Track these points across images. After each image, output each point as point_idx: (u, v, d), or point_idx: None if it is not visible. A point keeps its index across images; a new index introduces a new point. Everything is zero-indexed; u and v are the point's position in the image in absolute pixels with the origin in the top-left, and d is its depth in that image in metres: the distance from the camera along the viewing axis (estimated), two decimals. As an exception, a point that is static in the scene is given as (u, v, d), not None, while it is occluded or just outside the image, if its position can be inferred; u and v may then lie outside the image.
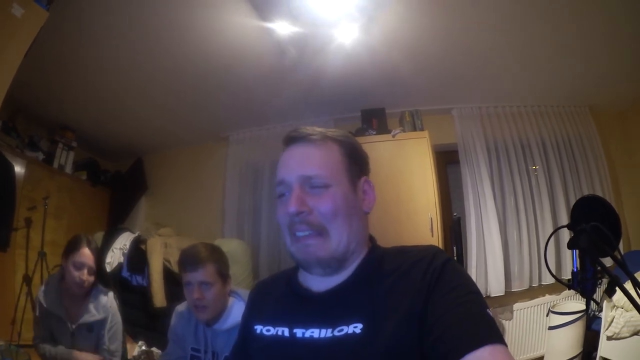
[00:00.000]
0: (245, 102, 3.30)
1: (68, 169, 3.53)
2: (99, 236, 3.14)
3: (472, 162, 3.36)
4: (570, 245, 1.17)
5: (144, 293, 2.85)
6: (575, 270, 1.18)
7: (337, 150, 0.76)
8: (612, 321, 2.27)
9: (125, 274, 2.99)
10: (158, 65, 2.75)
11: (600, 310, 2.36)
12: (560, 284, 1.36)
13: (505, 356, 0.56)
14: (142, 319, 2.76)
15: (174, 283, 2.73)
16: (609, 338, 2.27)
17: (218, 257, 1.59)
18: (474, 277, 2.74)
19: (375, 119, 3.28)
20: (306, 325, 0.69)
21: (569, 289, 1.21)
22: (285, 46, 2.52)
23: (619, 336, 2.23)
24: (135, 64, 2.74)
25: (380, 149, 3.04)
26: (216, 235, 3.48)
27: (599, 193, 3.23)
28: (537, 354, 3.07)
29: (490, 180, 3.31)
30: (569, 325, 2.68)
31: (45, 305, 1.80)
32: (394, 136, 3.12)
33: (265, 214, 3.56)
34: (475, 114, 3.46)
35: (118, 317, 1.94)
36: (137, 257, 2.98)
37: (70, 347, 1.81)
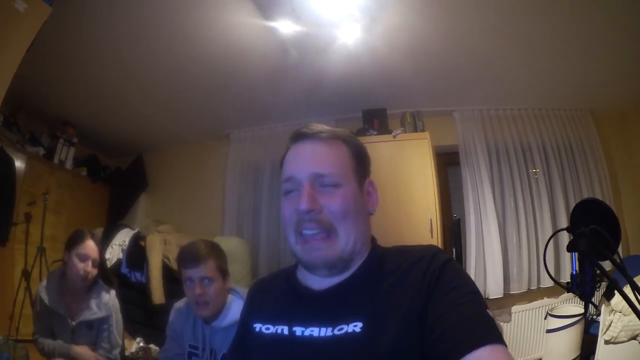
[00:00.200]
0: (247, 101, 3.30)
1: (68, 165, 3.53)
2: (98, 232, 3.14)
3: (473, 164, 3.36)
4: (570, 248, 1.17)
5: (143, 289, 2.85)
6: (574, 273, 1.18)
7: (346, 150, 0.76)
8: (610, 325, 2.27)
9: (124, 270, 2.99)
10: (160, 62, 2.75)
11: (599, 314, 2.36)
12: (558, 287, 1.36)
13: (505, 356, 0.56)
14: (141, 315, 2.76)
15: (172, 280, 2.73)
16: (607, 342, 2.27)
17: (218, 253, 1.59)
18: (472, 279, 2.73)
19: (376, 119, 3.28)
20: (306, 323, 0.69)
21: (568, 292, 1.21)
22: (287, 46, 2.52)
23: (616, 340, 2.22)
24: (137, 61, 2.74)
25: (381, 150, 3.04)
26: (215, 233, 3.48)
27: (599, 196, 3.23)
28: (535, 356, 3.07)
29: (490, 183, 3.31)
30: (567, 329, 2.68)
31: (45, 302, 1.79)
32: (394, 137, 3.12)
33: (265, 213, 3.56)
34: (476, 116, 3.46)
35: (119, 316, 1.93)
36: (137, 253, 2.98)
37: (70, 343, 1.80)
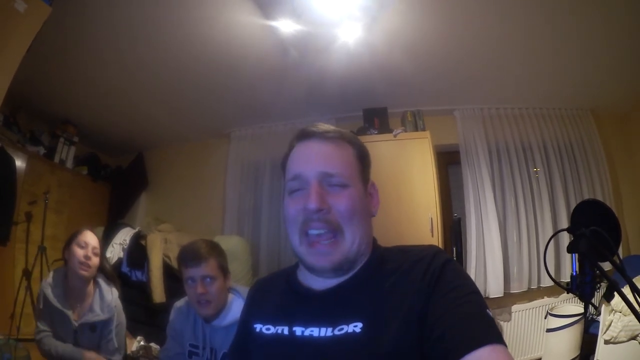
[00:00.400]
0: (247, 99, 3.30)
1: (69, 164, 3.53)
2: (99, 231, 3.13)
3: (473, 163, 3.36)
4: (570, 249, 1.17)
5: (144, 288, 2.85)
6: (574, 274, 1.18)
7: (351, 151, 0.76)
8: (610, 325, 2.27)
9: (125, 269, 2.99)
10: (160, 61, 2.75)
11: (599, 314, 2.36)
12: (559, 287, 1.36)
13: (505, 356, 0.56)
14: (141, 314, 2.76)
15: (173, 279, 2.73)
16: (607, 342, 2.27)
17: (219, 252, 1.60)
18: (473, 278, 2.73)
19: (377, 119, 3.27)
20: (306, 323, 0.69)
21: (568, 293, 1.21)
22: (288, 45, 2.52)
23: (616, 340, 2.23)
24: (137, 60, 2.74)
25: (381, 149, 3.04)
26: (216, 231, 3.48)
27: (600, 196, 3.23)
28: (535, 356, 3.07)
29: (491, 182, 3.31)
30: (567, 328, 2.68)
31: (49, 298, 1.77)
32: (395, 136, 3.12)
33: (265, 212, 3.56)
34: (477, 115, 3.46)
35: (122, 318, 1.91)
36: (137, 252, 2.98)
37: (72, 344, 1.78)
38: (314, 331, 0.68)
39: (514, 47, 2.69)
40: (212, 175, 3.86)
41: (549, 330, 2.81)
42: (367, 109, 3.32)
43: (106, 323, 1.83)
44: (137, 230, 3.17)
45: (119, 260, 3.04)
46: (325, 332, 0.67)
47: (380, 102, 3.29)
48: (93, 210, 3.88)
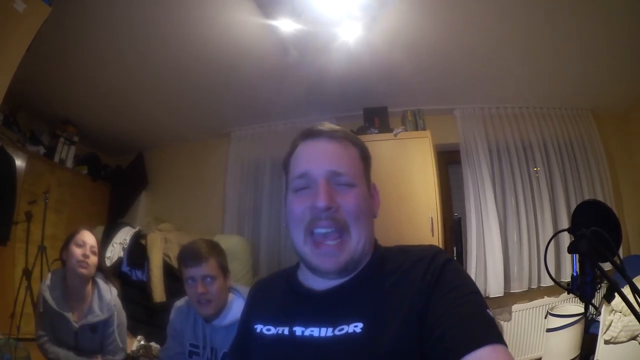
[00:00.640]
0: (247, 99, 3.29)
1: (69, 164, 3.53)
2: (99, 230, 3.14)
3: (474, 163, 3.36)
4: (571, 250, 1.17)
5: (144, 288, 2.85)
6: (574, 274, 1.18)
7: (356, 152, 0.76)
8: (610, 325, 2.27)
9: (125, 268, 2.99)
10: (160, 61, 2.74)
11: (599, 314, 2.36)
12: (559, 286, 1.36)
13: (505, 356, 0.56)
14: (142, 313, 2.76)
15: (173, 278, 2.73)
16: (607, 342, 2.27)
17: (219, 252, 1.60)
18: (473, 278, 2.73)
19: (377, 118, 3.27)
20: (306, 323, 0.69)
21: (568, 293, 1.21)
22: (288, 44, 2.52)
23: (616, 340, 2.23)
24: (137, 60, 2.74)
25: (381, 148, 3.04)
26: (216, 231, 3.48)
27: (600, 196, 3.23)
28: (535, 355, 3.07)
29: (491, 181, 3.31)
30: (567, 328, 2.68)
31: (49, 301, 1.77)
32: (395, 135, 3.12)
33: (265, 211, 3.56)
34: (477, 115, 3.46)
35: (123, 317, 1.91)
36: (137, 252, 2.98)
37: (74, 346, 1.78)
38: (314, 331, 0.68)
39: (514, 47, 2.69)
40: (212, 174, 3.86)
41: (549, 330, 2.81)
42: (367, 108, 3.31)
43: (107, 323, 1.83)
44: (137, 229, 3.17)
45: (119, 260, 3.04)
46: (325, 332, 0.67)
47: (380, 102, 3.28)
48: (93, 210, 3.88)
